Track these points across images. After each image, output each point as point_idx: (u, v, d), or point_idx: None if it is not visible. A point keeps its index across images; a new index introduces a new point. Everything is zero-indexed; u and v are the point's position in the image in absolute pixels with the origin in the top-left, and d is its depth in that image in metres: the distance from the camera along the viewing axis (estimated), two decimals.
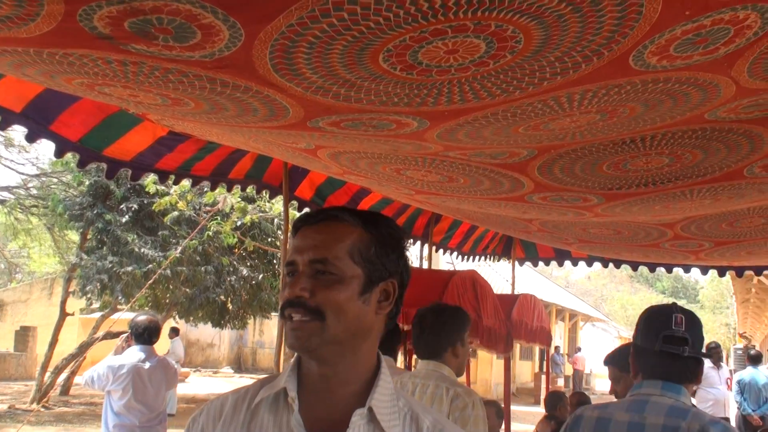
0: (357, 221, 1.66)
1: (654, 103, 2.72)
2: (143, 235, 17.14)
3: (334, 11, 1.92)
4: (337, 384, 1.63)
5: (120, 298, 17.40)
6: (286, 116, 3.06)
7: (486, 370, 27.54)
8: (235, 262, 17.41)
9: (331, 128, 3.23)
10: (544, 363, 25.15)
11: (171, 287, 17.11)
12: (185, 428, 1.73)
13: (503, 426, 6.81)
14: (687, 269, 8.85)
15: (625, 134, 3.19)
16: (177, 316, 19.89)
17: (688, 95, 2.62)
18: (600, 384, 36.50)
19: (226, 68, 2.42)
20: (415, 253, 8.38)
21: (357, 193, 6.42)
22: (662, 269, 8.85)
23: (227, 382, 28.52)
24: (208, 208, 15.51)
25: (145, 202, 16.75)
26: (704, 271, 8.79)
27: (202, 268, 16.90)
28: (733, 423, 12.53)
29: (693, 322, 2.73)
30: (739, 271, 8.65)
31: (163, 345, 16.71)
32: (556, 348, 30.79)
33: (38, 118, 3.88)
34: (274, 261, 17.94)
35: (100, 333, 18.13)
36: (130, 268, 16.47)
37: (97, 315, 21.14)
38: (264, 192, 5.87)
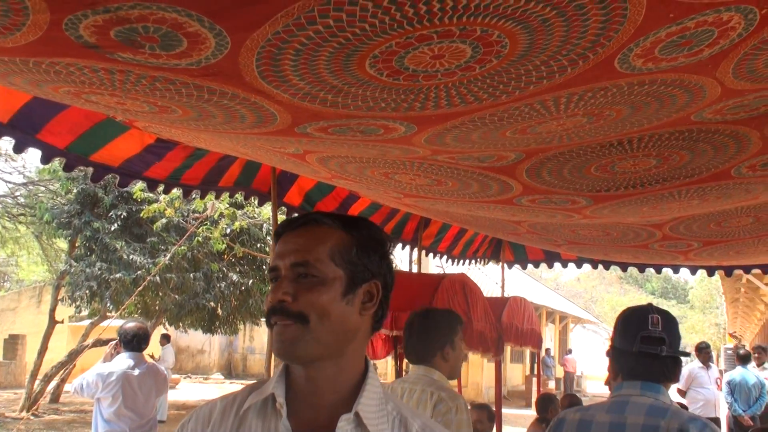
0: (337, 224, 1.68)
1: (640, 106, 2.73)
2: (132, 242, 17.10)
3: (320, 19, 1.93)
4: (324, 388, 1.63)
5: (109, 305, 17.35)
6: (273, 122, 3.06)
7: (477, 373, 27.56)
8: (224, 268, 17.39)
9: (318, 134, 3.23)
10: (535, 366, 25.21)
11: (160, 294, 17.06)
12: None
13: (495, 429, 6.81)
14: (676, 270, 8.88)
15: (612, 137, 3.20)
16: (167, 323, 19.84)
17: (674, 97, 2.63)
18: (591, 386, 36.59)
19: (213, 76, 2.42)
20: (404, 258, 8.38)
21: (346, 199, 6.42)
22: (652, 270, 8.87)
23: (218, 388, 28.46)
24: (196, 215, 15.50)
25: (134, 209, 16.70)
26: (693, 271, 8.82)
27: (192, 275, 16.88)
28: (724, 423, 12.56)
29: (669, 322, 2.77)
30: (728, 271, 8.68)
31: (154, 352, 16.69)
32: (547, 350, 30.83)
33: (25, 128, 3.86)
34: (264, 267, 17.93)
35: (90, 340, 18.11)
36: (119, 275, 16.43)
37: (87, 322, 21.06)
38: (253, 198, 5.86)
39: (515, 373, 32.16)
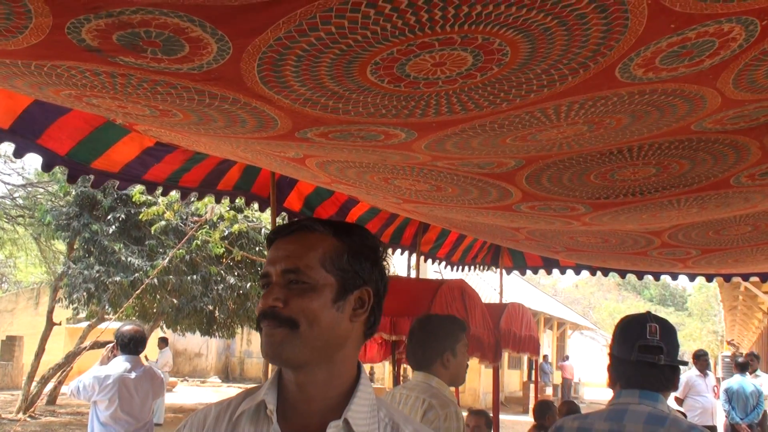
0: (328, 230, 1.68)
1: (641, 115, 2.74)
2: (130, 244, 17.10)
3: (322, 25, 1.93)
4: (314, 394, 1.64)
5: (107, 307, 17.34)
6: (274, 127, 3.06)
7: (474, 379, 27.52)
8: (222, 272, 17.37)
9: (319, 139, 3.24)
10: (533, 372, 25.22)
11: (158, 297, 17.06)
12: None
13: None
14: (675, 277, 8.87)
15: (612, 145, 3.21)
16: (164, 326, 19.83)
17: (674, 107, 2.64)
18: (589, 392, 36.57)
19: (215, 81, 2.43)
20: (403, 263, 8.37)
21: (345, 204, 6.42)
22: (650, 277, 8.87)
23: (215, 391, 28.44)
24: (195, 218, 15.49)
25: (132, 212, 16.71)
26: (692, 278, 8.81)
27: (190, 278, 16.87)
28: (721, 431, 12.55)
29: (667, 331, 2.77)
30: (727, 277, 8.68)
31: (152, 355, 16.69)
32: (545, 357, 30.81)
33: (26, 133, 3.86)
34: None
35: (87, 342, 18.07)
36: (117, 278, 16.42)
37: (84, 324, 21.06)
38: (253, 203, 5.86)
39: (512, 379, 32.14)
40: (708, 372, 12.27)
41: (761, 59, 2.17)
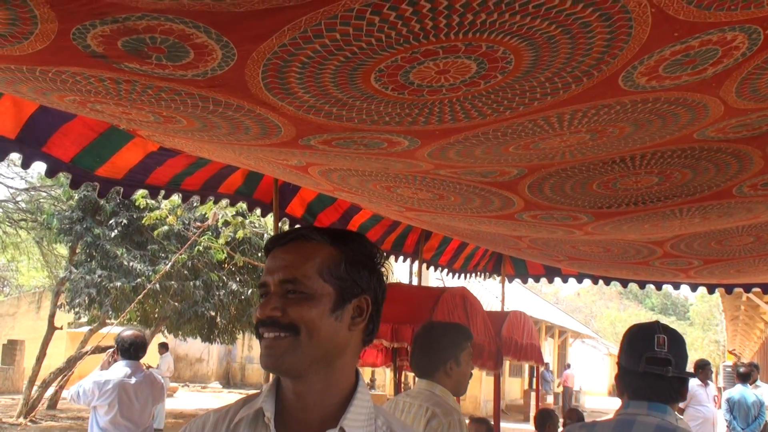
0: (325, 239, 1.68)
1: (643, 123, 2.74)
2: (132, 249, 17.09)
3: (327, 32, 1.94)
4: (312, 402, 1.64)
5: (109, 312, 17.33)
6: (278, 134, 3.06)
7: (476, 387, 27.46)
8: (224, 277, 17.37)
9: (322, 146, 3.24)
10: (534, 380, 25.15)
11: (160, 301, 17.04)
12: None
13: None
14: (677, 286, 8.86)
15: (614, 154, 3.21)
16: (165, 331, 19.81)
17: (677, 115, 2.64)
18: (590, 401, 36.49)
19: (219, 87, 2.43)
20: (405, 270, 8.36)
21: (347, 211, 6.42)
22: (652, 286, 8.86)
23: (215, 397, 28.37)
24: (198, 223, 15.49)
25: (135, 216, 16.70)
26: (694, 288, 8.80)
27: (191, 283, 16.86)
28: None
29: (676, 341, 2.72)
30: (729, 288, 8.67)
31: (152, 360, 16.67)
32: (546, 365, 30.75)
33: (31, 142, 3.86)
34: None
35: (89, 347, 18.02)
36: (119, 283, 16.40)
37: (86, 329, 21.01)
38: (255, 209, 5.86)
39: (514, 387, 32.07)
40: (708, 382, 12.23)
41: (764, 68, 2.17)
